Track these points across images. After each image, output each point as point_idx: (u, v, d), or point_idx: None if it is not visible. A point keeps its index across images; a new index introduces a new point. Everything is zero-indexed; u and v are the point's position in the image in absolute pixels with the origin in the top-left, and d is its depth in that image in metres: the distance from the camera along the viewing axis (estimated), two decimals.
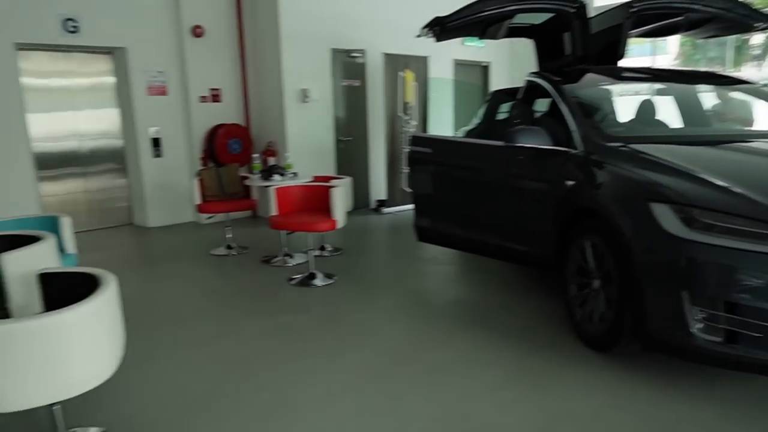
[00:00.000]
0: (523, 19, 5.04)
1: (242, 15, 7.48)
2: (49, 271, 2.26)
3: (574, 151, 3.48)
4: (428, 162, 4.55)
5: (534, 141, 3.61)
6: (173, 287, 4.82)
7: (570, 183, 3.44)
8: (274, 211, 4.77)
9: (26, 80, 6.29)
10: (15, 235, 2.72)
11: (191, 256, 5.76)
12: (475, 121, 5.89)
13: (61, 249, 3.39)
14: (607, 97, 4.34)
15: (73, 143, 6.90)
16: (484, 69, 9.82)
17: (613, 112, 4.12)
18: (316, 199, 4.83)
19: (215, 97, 7.50)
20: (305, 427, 2.54)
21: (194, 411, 2.69)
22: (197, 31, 7.14)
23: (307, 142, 7.48)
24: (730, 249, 2.43)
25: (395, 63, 8.04)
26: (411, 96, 7.94)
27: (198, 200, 5.67)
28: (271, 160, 7.15)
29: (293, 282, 4.71)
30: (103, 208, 7.23)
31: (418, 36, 4.99)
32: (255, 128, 7.83)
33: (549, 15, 4.89)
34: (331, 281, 4.72)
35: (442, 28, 4.73)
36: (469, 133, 5.78)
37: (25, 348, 1.81)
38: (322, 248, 5.67)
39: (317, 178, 5.62)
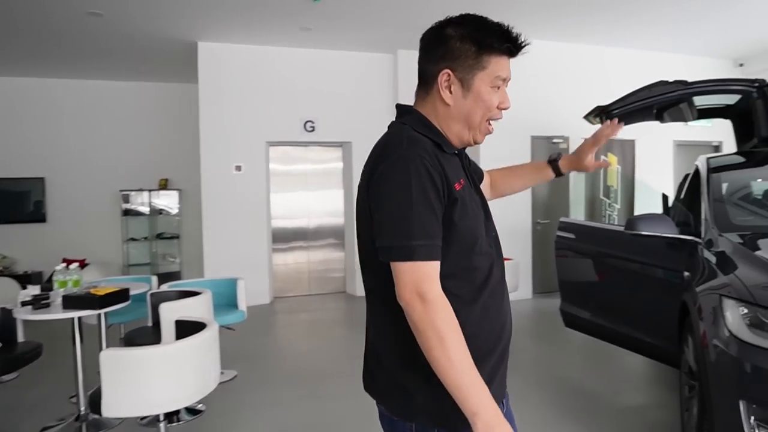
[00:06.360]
0: (714, 99, 4.71)
1: None
2: (180, 319, 3.09)
3: (698, 240, 3.22)
4: (570, 247, 4.51)
5: (657, 229, 3.41)
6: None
7: (686, 274, 3.17)
8: None
9: (273, 166, 8.01)
10: (189, 291, 3.69)
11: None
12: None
13: (236, 305, 4.34)
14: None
15: (303, 221, 8.37)
16: (715, 150, 8.81)
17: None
18: None
19: None
20: None
21: None
22: None
23: (503, 223, 7.72)
24: None
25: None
26: (614, 180, 7.69)
27: None
28: None
29: None
30: (322, 278, 8.50)
31: (588, 120, 5.00)
32: None
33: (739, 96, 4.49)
34: None
35: (607, 115, 4.69)
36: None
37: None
38: None
39: None
